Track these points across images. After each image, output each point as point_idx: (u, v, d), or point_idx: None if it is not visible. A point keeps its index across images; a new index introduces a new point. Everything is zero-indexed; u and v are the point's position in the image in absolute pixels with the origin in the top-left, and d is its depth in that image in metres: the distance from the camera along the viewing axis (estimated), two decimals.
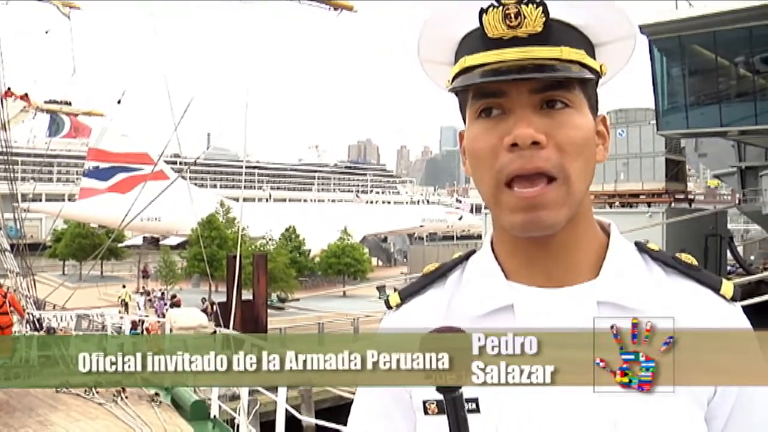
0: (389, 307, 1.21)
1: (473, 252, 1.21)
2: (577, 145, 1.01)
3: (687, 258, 1.12)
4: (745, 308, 1.11)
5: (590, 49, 1.06)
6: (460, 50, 1.08)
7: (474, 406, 1.04)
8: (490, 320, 1.08)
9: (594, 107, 1.08)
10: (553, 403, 0.99)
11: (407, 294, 1.19)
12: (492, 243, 1.16)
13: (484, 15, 1.02)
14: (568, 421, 1.00)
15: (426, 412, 1.08)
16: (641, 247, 1.13)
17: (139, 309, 32.63)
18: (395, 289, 1.25)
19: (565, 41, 1.02)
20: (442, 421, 1.05)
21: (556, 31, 1.02)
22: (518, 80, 1.00)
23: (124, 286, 42.45)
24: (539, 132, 0.99)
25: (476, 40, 1.04)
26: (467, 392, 1.04)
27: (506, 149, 1.00)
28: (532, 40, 1.01)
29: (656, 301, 1.06)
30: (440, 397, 1.05)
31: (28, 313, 15.36)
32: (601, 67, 1.07)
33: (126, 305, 39.51)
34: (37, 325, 14.80)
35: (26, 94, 28.03)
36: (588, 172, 1.05)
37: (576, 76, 1.02)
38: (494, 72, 1.01)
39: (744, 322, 1.07)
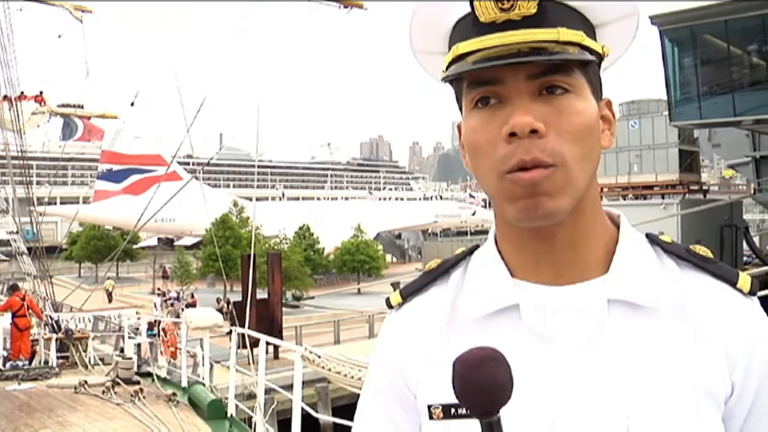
0: (390, 307, 1.17)
1: (477, 247, 1.15)
2: (578, 132, 0.96)
3: (701, 250, 1.07)
4: (761, 299, 1.08)
5: (590, 30, 1.01)
6: (452, 38, 1.02)
7: None
8: (496, 320, 1.04)
9: (597, 91, 1.02)
10: (564, 398, 0.96)
11: (409, 292, 1.15)
12: (496, 239, 1.10)
13: None
14: (579, 415, 0.97)
15: (431, 417, 1.05)
16: (653, 240, 1.08)
17: (156, 309, 32.78)
18: (394, 287, 1.19)
19: (561, 22, 0.96)
20: (447, 425, 1.03)
21: (551, 12, 0.96)
22: (513, 65, 0.94)
23: (109, 278, 43.11)
24: (538, 120, 0.94)
25: (468, 26, 0.99)
26: None
27: (504, 139, 0.95)
28: (527, 22, 0.95)
29: (669, 297, 1.01)
30: (445, 402, 1.03)
31: (46, 316, 15.49)
32: (602, 48, 1.02)
33: (110, 295, 40.29)
34: (55, 327, 14.91)
35: (41, 93, 28.19)
36: (591, 159, 0.99)
37: (575, 58, 0.95)
38: (488, 58, 0.95)
39: (761, 317, 1.03)
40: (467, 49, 0.98)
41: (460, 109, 1.06)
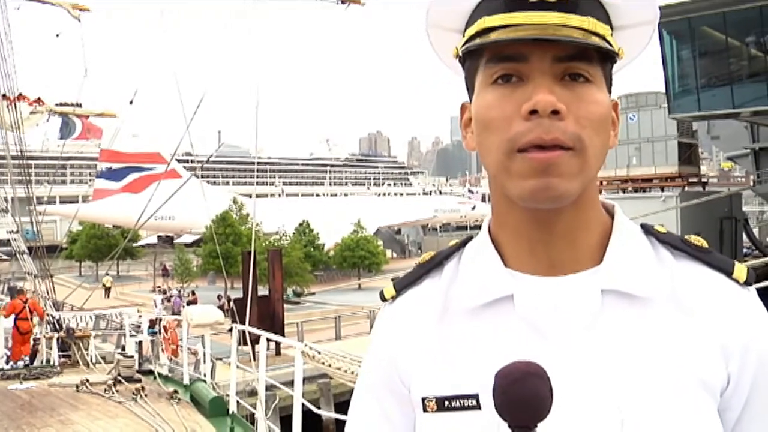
0: (384, 300, 1.17)
1: (470, 238, 1.15)
2: (596, 121, 0.96)
3: (697, 240, 1.06)
4: (761, 290, 1.07)
5: (611, 30, 1.01)
6: (476, 13, 1.01)
7: (474, 402, 1.00)
8: (489, 312, 1.03)
9: (609, 90, 1.02)
10: (558, 390, 0.91)
11: (403, 285, 1.15)
12: (490, 228, 1.10)
13: None
14: (572, 408, 0.95)
15: (425, 410, 1.04)
16: (648, 230, 1.07)
17: (156, 307, 32.85)
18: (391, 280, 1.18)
19: (591, 14, 0.97)
20: (441, 418, 1.02)
21: (583, 2, 0.97)
22: (543, 42, 0.94)
23: (107, 274, 43.38)
24: (560, 102, 0.94)
25: (498, 2, 0.98)
26: (466, 388, 1.01)
27: (524, 117, 0.94)
28: (560, 6, 0.95)
29: (664, 288, 1.01)
30: (439, 394, 1.03)
31: (47, 314, 15.51)
32: (619, 50, 1.02)
33: (108, 290, 40.50)
34: (57, 326, 14.92)
35: (39, 99, 28.21)
36: (603, 150, 0.99)
37: (603, 46, 0.96)
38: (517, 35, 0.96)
39: (758, 307, 1.02)
40: (495, 23, 0.97)
41: (469, 87, 1.06)
